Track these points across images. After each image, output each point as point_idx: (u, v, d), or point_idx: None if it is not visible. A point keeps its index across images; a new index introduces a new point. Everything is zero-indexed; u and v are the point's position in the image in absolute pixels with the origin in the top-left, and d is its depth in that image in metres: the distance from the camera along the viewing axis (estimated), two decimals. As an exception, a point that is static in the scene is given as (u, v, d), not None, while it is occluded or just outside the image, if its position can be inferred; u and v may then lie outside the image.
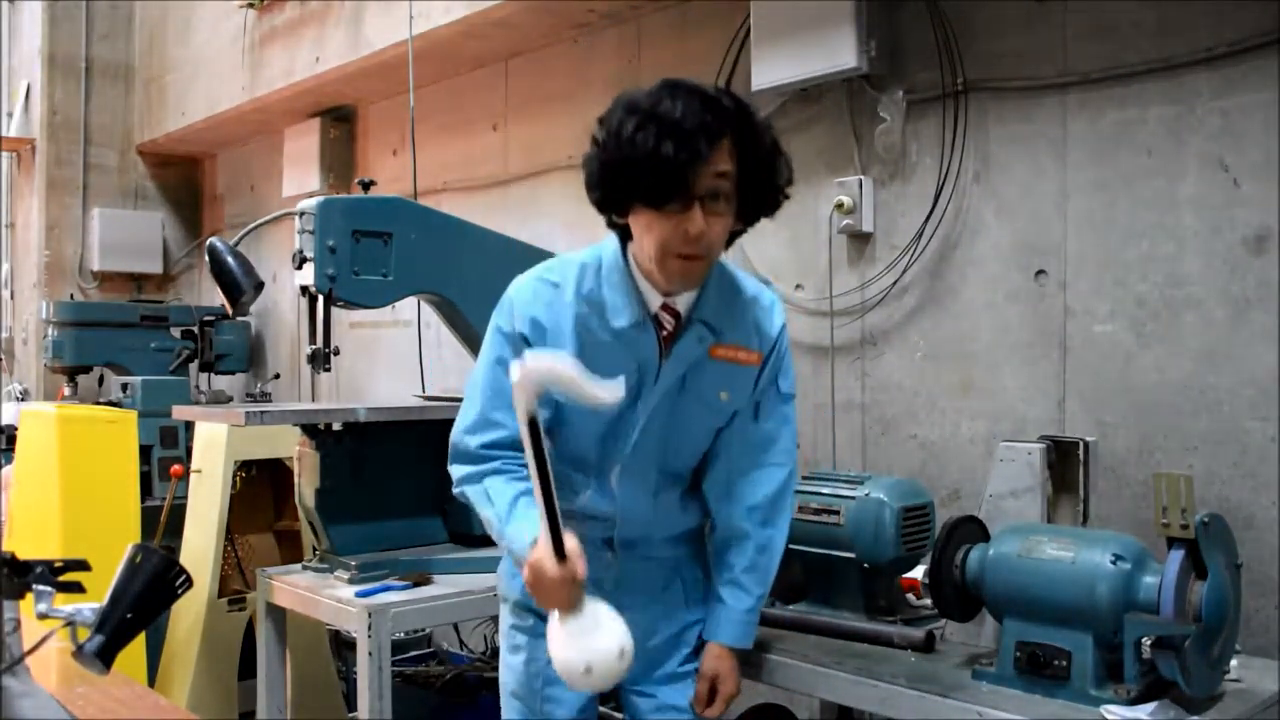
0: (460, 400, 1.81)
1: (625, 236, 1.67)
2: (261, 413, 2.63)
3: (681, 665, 1.86)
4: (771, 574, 1.86)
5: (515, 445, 1.61)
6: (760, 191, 1.62)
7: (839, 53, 2.75)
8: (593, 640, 1.45)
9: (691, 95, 1.53)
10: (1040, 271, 2.53)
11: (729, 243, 1.70)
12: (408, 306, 3.66)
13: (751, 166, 1.58)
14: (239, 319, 5.12)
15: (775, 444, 1.83)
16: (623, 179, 1.55)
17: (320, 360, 2.68)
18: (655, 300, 1.68)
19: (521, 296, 1.72)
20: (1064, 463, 2.09)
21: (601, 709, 1.89)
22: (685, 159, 1.49)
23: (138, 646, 3.07)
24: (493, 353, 1.74)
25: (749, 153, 1.57)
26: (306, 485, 2.70)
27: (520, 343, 1.68)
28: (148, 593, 1.33)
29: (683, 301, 1.69)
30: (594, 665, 1.44)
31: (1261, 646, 2.10)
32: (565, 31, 3.74)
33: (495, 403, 1.71)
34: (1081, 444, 2.09)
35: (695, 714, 1.83)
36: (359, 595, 2.45)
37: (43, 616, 1.30)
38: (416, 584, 2.56)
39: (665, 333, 1.70)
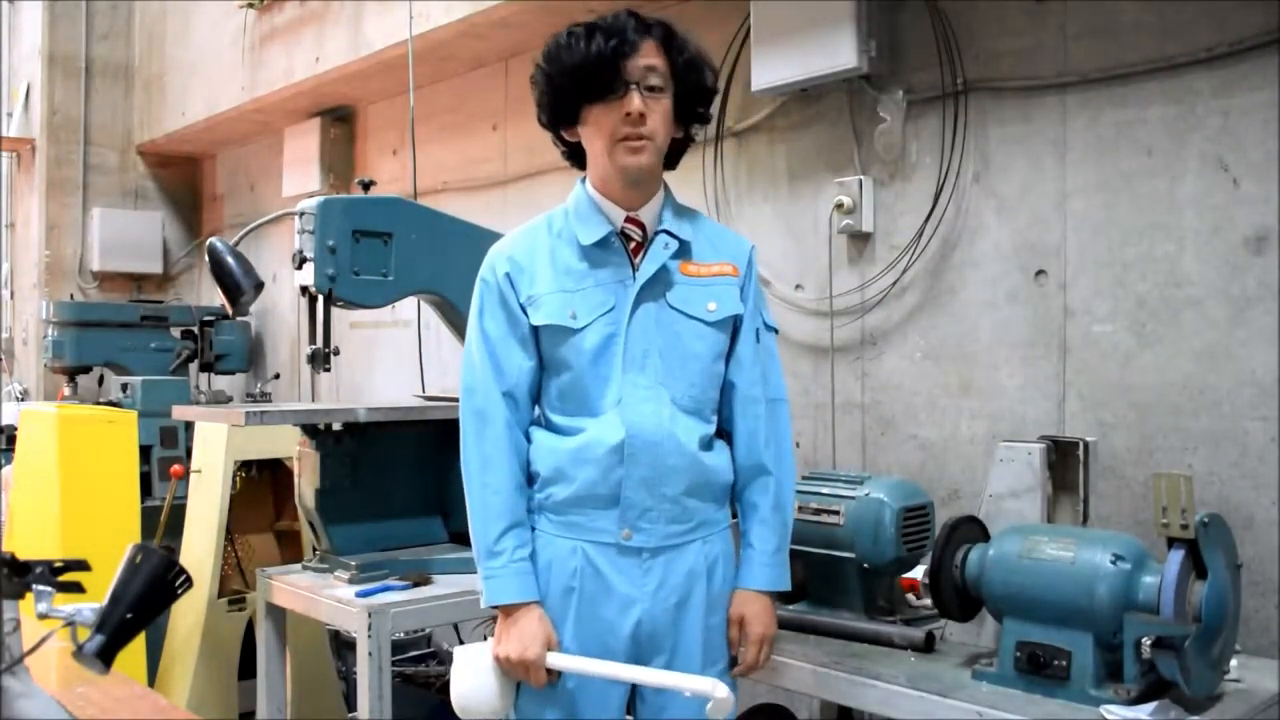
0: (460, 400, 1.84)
1: (581, 165, 1.86)
2: (261, 413, 2.63)
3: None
4: (791, 516, 1.90)
5: (510, 395, 1.80)
6: (692, 88, 1.79)
7: (839, 53, 2.75)
8: (472, 683, 1.77)
9: (618, 11, 1.76)
10: (1040, 271, 2.53)
11: (674, 160, 1.87)
12: (408, 306, 3.67)
13: (680, 65, 1.77)
14: (239, 319, 5.12)
15: (769, 379, 1.90)
16: (567, 82, 1.75)
17: (320, 360, 2.68)
18: (619, 215, 1.81)
19: (499, 247, 1.88)
20: (1064, 463, 2.09)
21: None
22: (615, 47, 1.70)
23: (138, 646, 3.07)
24: (477, 306, 1.85)
25: (676, 52, 1.76)
26: (306, 485, 2.70)
27: (505, 283, 1.80)
28: (148, 593, 1.33)
29: (647, 215, 1.82)
30: (466, 703, 1.78)
31: (1261, 646, 2.10)
32: (565, 31, 3.74)
33: (487, 364, 1.81)
34: (1081, 444, 2.09)
35: (729, 666, 1.86)
36: (359, 595, 2.45)
37: (43, 616, 1.29)
38: (416, 584, 2.56)
39: (634, 244, 1.81)
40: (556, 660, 1.72)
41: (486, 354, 1.80)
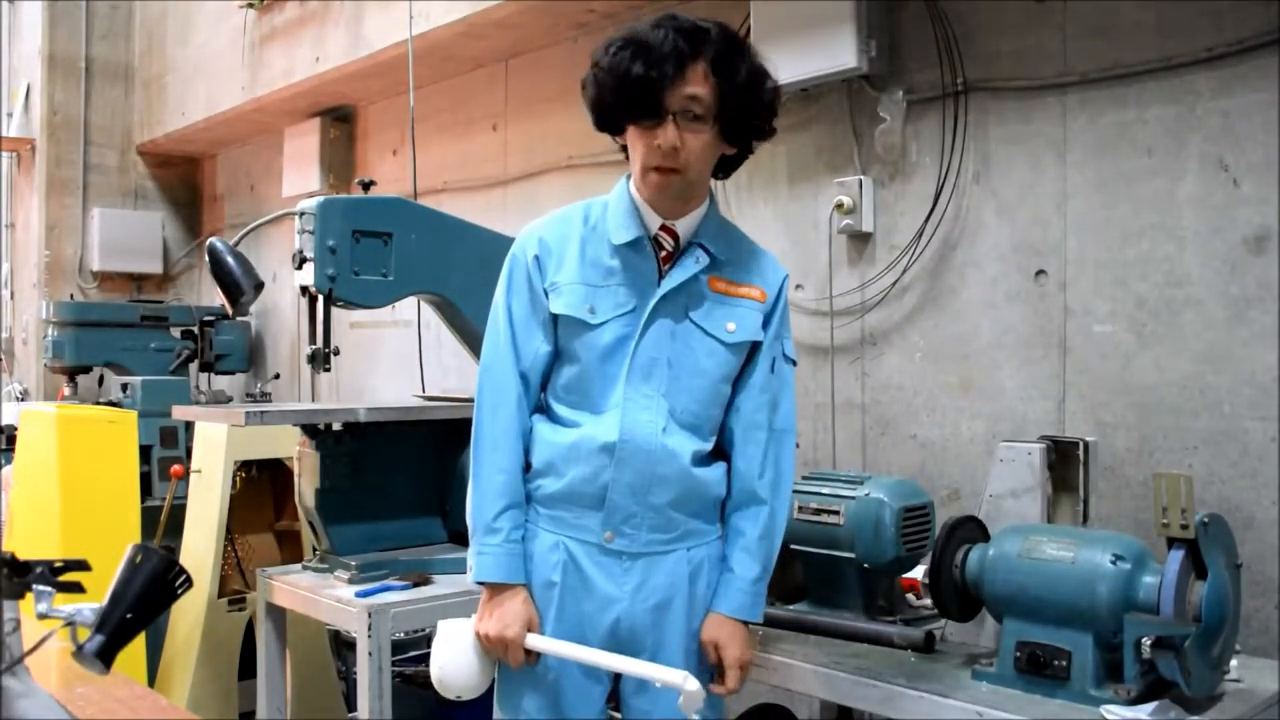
0: (460, 400, 1.84)
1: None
2: (261, 413, 2.63)
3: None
4: (777, 547, 1.87)
5: (524, 376, 1.80)
6: (741, 114, 1.73)
7: (839, 53, 2.75)
8: (451, 657, 1.77)
9: (676, 24, 1.68)
10: (1040, 271, 2.53)
11: (729, 170, 1.84)
12: (408, 306, 3.66)
13: (730, 89, 1.69)
14: (239, 319, 5.12)
15: (778, 408, 1.87)
16: (607, 98, 1.72)
17: (320, 360, 2.68)
18: (655, 221, 1.78)
19: (532, 227, 1.86)
20: (1064, 463, 2.09)
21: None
22: (655, 78, 1.64)
23: (138, 646, 3.07)
24: (505, 282, 1.84)
25: (727, 76, 1.68)
26: (306, 485, 2.70)
27: (533, 265, 1.80)
28: (148, 593, 1.33)
29: (683, 226, 1.79)
30: (444, 676, 1.78)
31: (1261, 646, 2.10)
32: (565, 31, 3.74)
33: (508, 341, 1.81)
34: (1081, 444, 2.09)
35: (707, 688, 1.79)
36: (359, 595, 2.45)
37: (43, 616, 1.29)
38: (416, 584, 2.56)
39: (664, 253, 1.79)
40: (535, 641, 1.73)
41: (509, 332, 1.81)
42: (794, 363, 1.91)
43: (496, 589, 1.76)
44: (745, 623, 1.83)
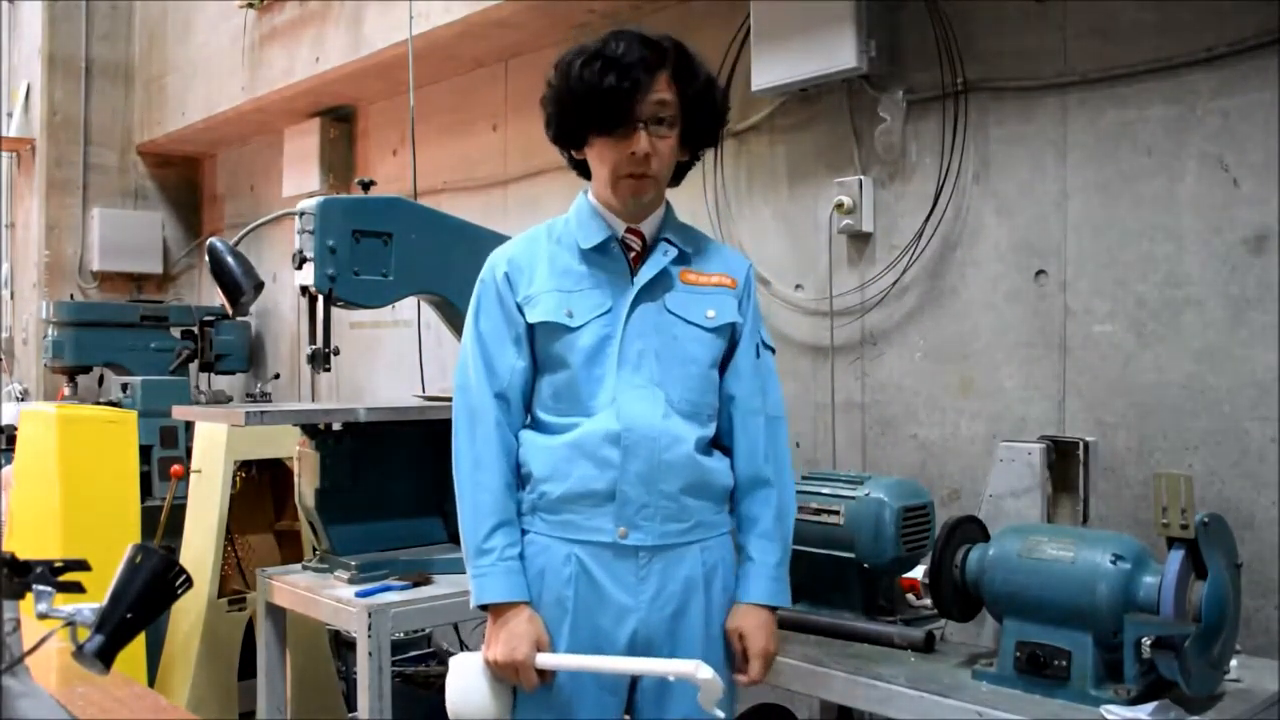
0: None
1: (587, 176, 1.86)
2: (261, 413, 2.63)
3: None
4: (791, 531, 1.87)
5: (502, 396, 1.80)
6: (702, 118, 1.79)
7: (839, 53, 2.75)
8: (464, 689, 1.74)
9: (632, 36, 1.74)
10: (1040, 271, 2.53)
11: (679, 176, 1.88)
12: (408, 306, 3.67)
13: (690, 96, 1.76)
14: (239, 319, 5.11)
15: (768, 395, 1.89)
16: (574, 112, 1.75)
17: (320, 360, 2.68)
18: (620, 226, 1.82)
19: (499, 251, 1.89)
20: (1064, 463, 2.09)
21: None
22: (627, 88, 1.69)
23: (138, 646, 3.07)
24: (474, 306, 1.85)
25: (687, 83, 1.75)
26: (306, 485, 2.70)
27: (504, 283, 1.81)
28: (148, 593, 1.33)
29: (647, 227, 1.83)
30: (458, 710, 1.75)
31: (1261, 646, 2.10)
32: (565, 31, 3.74)
33: (480, 363, 1.81)
34: (1081, 444, 2.09)
35: (731, 677, 1.80)
36: (359, 595, 2.45)
37: (43, 616, 1.30)
38: (416, 584, 2.56)
39: (634, 254, 1.82)
40: (546, 660, 1.70)
41: (480, 354, 1.81)
42: (773, 350, 1.93)
43: (499, 611, 1.73)
44: (772, 610, 1.82)
